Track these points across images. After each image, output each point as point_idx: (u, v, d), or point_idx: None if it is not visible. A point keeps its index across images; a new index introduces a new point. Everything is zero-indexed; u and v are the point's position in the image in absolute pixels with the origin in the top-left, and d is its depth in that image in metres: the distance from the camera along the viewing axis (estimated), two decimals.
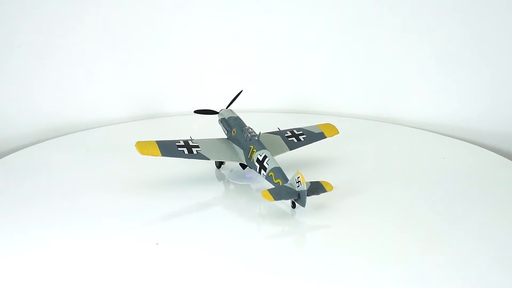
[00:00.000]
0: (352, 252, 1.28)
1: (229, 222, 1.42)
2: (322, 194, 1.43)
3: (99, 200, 1.52)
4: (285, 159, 1.61)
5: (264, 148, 1.53)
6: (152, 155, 1.55)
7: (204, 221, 1.42)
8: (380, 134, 2.00)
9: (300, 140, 1.65)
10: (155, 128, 2.10)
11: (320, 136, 1.68)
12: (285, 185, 1.42)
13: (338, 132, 1.70)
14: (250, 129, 1.60)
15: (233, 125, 1.64)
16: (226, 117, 1.68)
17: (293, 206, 1.43)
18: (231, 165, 1.68)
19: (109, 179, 1.64)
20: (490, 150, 1.86)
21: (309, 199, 1.40)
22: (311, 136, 1.67)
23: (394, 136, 2.00)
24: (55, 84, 2.06)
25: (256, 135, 1.57)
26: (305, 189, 1.38)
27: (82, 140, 1.98)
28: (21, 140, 1.98)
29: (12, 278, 1.21)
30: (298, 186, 1.39)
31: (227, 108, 1.74)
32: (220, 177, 1.66)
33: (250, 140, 1.56)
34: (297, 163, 1.65)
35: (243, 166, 1.64)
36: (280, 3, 2.13)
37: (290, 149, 1.64)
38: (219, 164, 1.68)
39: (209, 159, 1.57)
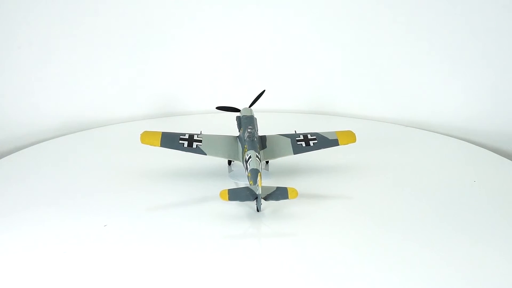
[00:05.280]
0: (355, 254, 1.29)
1: (222, 220, 1.42)
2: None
3: (101, 196, 1.53)
4: (289, 161, 1.62)
5: (253, 149, 1.53)
6: (152, 144, 1.57)
7: (196, 218, 1.42)
8: (381, 135, 2.00)
9: (309, 145, 1.63)
10: (175, 125, 2.06)
11: (333, 143, 1.64)
12: (248, 187, 1.42)
13: (354, 141, 1.65)
14: (251, 130, 1.59)
15: (242, 124, 1.65)
16: (241, 115, 1.68)
17: (258, 209, 1.43)
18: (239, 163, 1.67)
19: (113, 176, 1.65)
20: (490, 150, 1.87)
21: (320, 203, 1.39)
22: (322, 142, 1.64)
23: (395, 136, 2.00)
24: (58, 83, 2.07)
25: (253, 135, 1.57)
26: (260, 193, 1.38)
27: (85, 139, 1.99)
28: (22, 140, 1.98)
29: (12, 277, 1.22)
30: (257, 190, 1.39)
31: (249, 107, 1.72)
32: (224, 175, 1.66)
33: (246, 140, 1.57)
34: (298, 166, 1.67)
35: None
36: (303, 3, 2.13)
37: (295, 153, 1.62)
38: (229, 161, 1.69)
39: (206, 154, 1.58)
